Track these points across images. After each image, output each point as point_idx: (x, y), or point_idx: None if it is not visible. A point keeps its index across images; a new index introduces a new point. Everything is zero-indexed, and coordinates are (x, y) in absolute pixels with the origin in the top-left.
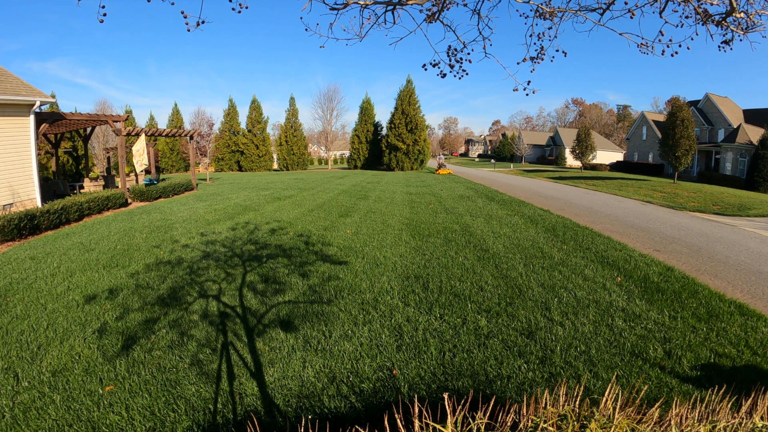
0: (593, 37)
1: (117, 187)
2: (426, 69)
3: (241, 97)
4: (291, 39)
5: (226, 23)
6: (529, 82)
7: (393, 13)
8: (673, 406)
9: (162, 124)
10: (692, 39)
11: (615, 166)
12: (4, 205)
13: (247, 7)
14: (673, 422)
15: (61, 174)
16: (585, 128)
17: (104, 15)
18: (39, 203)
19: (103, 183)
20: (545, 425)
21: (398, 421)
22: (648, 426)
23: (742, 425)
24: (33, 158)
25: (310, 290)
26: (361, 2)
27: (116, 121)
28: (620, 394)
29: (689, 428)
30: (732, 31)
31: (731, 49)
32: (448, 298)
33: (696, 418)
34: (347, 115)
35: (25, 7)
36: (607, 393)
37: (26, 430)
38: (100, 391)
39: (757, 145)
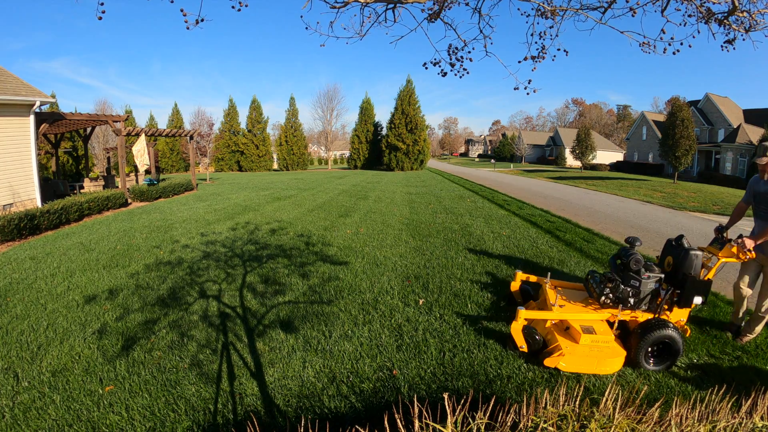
0: (594, 37)
1: (117, 187)
2: (427, 67)
3: (243, 97)
4: (295, 39)
5: (229, 22)
6: (530, 81)
7: (394, 11)
8: (673, 406)
9: (162, 124)
10: (694, 37)
11: (615, 166)
12: (4, 205)
13: (246, 5)
14: (673, 422)
15: (61, 174)
16: (585, 128)
17: (103, 12)
18: (39, 203)
19: (103, 183)
20: (545, 425)
21: (398, 421)
22: (648, 426)
23: (742, 425)
24: (33, 158)
25: (310, 290)
26: (362, 0)
27: (116, 121)
28: (620, 394)
29: (689, 428)
30: (734, 30)
31: (734, 48)
32: (448, 297)
33: (696, 418)
34: (347, 115)
35: (28, 6)
36: (607, 393)
37: (26, 430)
38: (100, 391)
39: (757, 145)
